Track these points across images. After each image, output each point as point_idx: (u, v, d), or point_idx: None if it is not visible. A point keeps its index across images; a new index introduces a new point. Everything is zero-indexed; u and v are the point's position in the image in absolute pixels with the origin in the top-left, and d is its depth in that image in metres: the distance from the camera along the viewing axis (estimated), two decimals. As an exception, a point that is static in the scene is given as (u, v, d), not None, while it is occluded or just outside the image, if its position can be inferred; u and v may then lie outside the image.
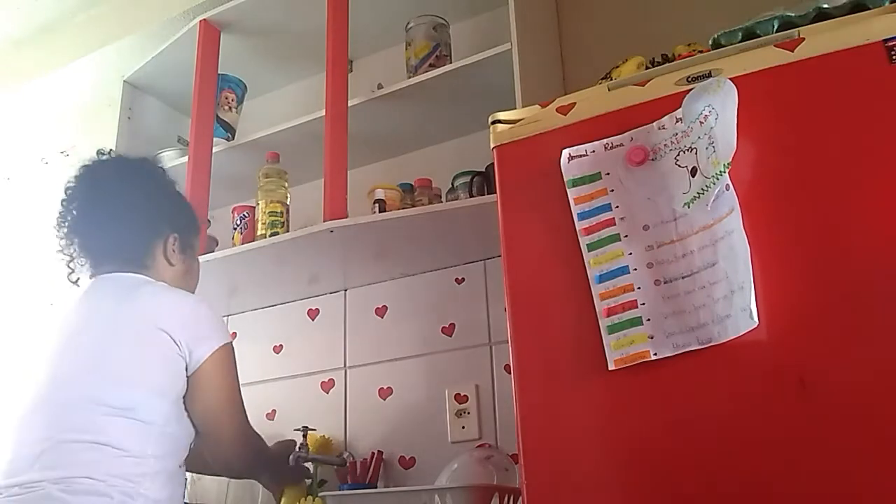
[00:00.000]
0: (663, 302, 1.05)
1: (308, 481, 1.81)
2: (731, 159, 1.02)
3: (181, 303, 1.43)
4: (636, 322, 1.06)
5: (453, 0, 2.05)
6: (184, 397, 1.38)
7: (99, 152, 1.58)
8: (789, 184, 1.03)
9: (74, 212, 1.51)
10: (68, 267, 1.52)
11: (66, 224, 1.51)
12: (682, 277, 1.04)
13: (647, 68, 1.35)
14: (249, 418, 1.50)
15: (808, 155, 1.02)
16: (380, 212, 1.87)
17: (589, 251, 1.12)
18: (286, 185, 2.07)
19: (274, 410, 2.16)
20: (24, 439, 1.29)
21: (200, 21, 2.20)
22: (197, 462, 1.46)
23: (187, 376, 1.37)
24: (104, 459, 1.24)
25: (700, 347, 1.01)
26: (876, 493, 0.89)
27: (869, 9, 1.07)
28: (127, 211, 1.49)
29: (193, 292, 1.58)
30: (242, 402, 1.46)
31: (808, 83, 1.05)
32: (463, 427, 1.88)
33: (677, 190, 1.07)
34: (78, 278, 1.53)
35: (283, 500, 1.86)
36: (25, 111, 3.04)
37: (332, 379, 2.11)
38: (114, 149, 1.73)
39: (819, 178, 1.01)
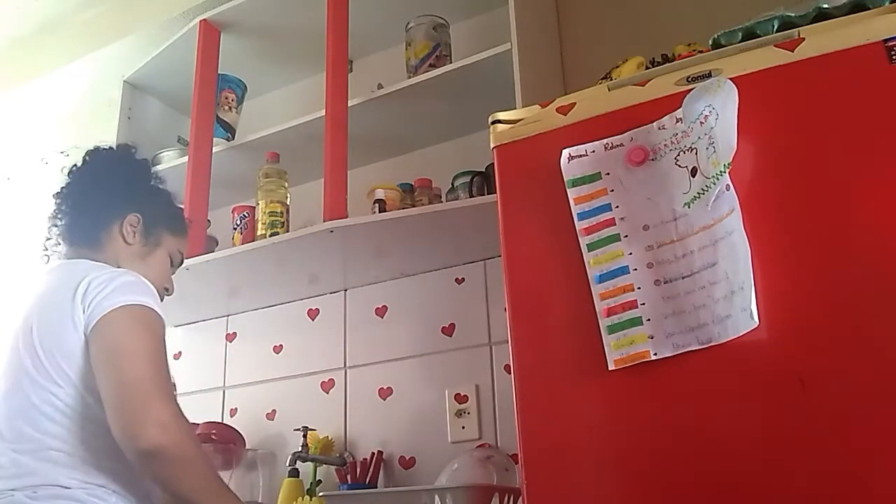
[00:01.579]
0: (663, 302, 1.05)
1: None
2: (731, 159, 1.02)
3: (101, 274, 1.29)
4: (636, 322, 1.06)
5: (453, 0, 2.05)
6: None
7: (93, 148, 1.57)
8: (789, 184, 1.03)
9: (58, 202, 1.51)
10: (44, 245, 1.51)
11: (52, 214, 1.52)
12: (683, 277, 1.04)
13: (647, 68, 1.35)
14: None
15: (808, 155, 1.02)
16: (380, 212, 1.87)
17: (589, 251, 1.12)
18: (286, 185, 2.07)
19: (274, 410, 2.15)
20: None
21: (200, 21, 2.20)
22: None
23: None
24: (60, 467, 1.21)
25: (700, 347, 1.01)
26: (875, 493, 0.89)
27: (869, 9, 1.07)
28: (95, 189, 1.49)
29: (154, 284, 1.36)
30: (168, 381, 1.22)
31: (808, 83, 1.05)
32: (463, 427, 1.88)
33: (677, 190, 1.07)
34: (48, 257, 1.51)
35: (279, 497, 1.87)
36: (25, 111, 3.04)
37: (332, 379, 2.11)
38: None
39: (819, 178, 1.01)
